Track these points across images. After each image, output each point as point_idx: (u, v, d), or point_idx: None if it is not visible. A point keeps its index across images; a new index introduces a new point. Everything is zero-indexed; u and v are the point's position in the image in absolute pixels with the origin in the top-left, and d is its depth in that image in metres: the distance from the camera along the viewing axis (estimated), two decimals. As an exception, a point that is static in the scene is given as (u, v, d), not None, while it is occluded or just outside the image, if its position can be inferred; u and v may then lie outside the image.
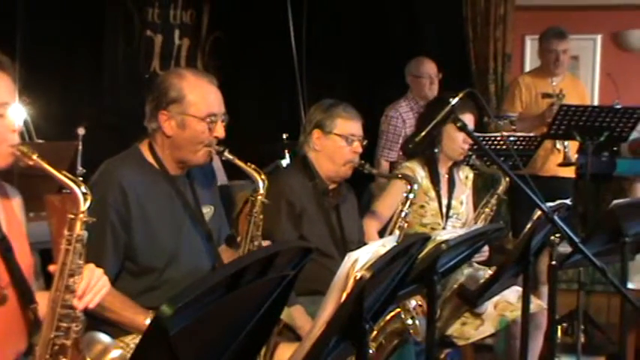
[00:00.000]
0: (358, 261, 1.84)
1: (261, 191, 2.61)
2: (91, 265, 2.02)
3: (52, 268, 1.99)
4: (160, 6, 6.33)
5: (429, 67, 5.46)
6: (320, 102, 3.41)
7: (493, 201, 3.90)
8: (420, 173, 3.77)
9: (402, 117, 5.40)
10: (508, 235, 4.96)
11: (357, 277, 1.80)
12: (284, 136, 4.70)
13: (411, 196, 3.49)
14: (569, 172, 5.18)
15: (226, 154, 2.60)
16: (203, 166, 2.73)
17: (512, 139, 4.64)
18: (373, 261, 1.84)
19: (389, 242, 2.00)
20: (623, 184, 5.48)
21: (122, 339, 2.50)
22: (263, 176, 2.63)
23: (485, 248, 3.72)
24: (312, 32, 6.19)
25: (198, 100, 2.58)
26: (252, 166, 2.62)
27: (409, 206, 3.51)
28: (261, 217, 2.62)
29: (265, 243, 2.65)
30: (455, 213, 3.85)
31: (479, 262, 3.85)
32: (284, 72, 5.17)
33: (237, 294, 1.49)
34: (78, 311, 1.98)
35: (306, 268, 2.24)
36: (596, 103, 6.47)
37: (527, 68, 6.52)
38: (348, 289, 1.82)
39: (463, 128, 2.81)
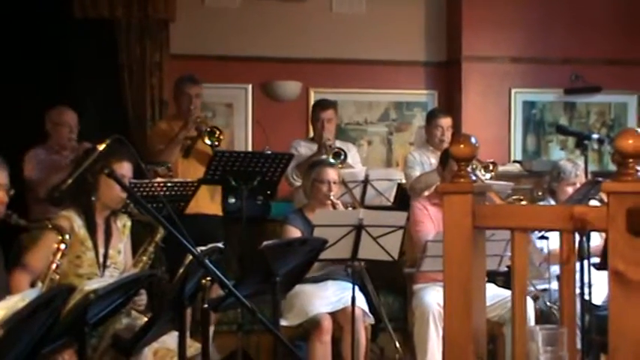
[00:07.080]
0: (-7, 318, 1.73)
1: None
2: None
3: None
4: None
5: (70, 117, 5.37)
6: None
7: (151, 249, 3.89)
8: (77, 222, 3.67)
9: (42, 162, 5.23)
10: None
11: (-11, 336, 1.69)
12: None
13: (63, 246, 3.37)
14: (216, 210, 5.33)
15: None
16: None
17: (169, 184, 4.66)
18: (9, 317, 1.73)
19: (29, 295, 1.90)
20: (276, 226, 5.73)
21: None
22: None
23: (144, 297, 3.69)
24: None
25: None
26: None
27: (61, 257, 3.38)
28: None
29: None
30: (112, 262, 3.78)
31: (139, 311, 3.80)
32: None
33: None
34: None
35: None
36: (249, 149, 6.77)
37: (184, 114, 6.63)
38: (-20, 349, 1.69)
39: (111, 175, 2.78)
